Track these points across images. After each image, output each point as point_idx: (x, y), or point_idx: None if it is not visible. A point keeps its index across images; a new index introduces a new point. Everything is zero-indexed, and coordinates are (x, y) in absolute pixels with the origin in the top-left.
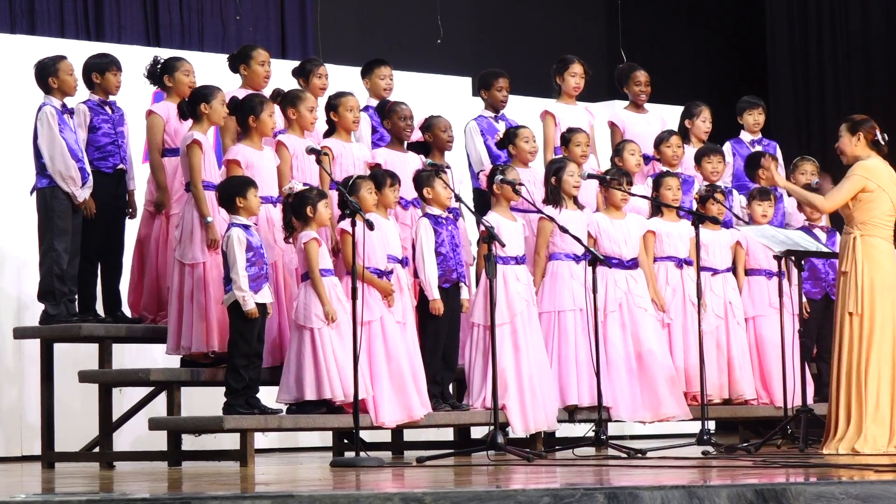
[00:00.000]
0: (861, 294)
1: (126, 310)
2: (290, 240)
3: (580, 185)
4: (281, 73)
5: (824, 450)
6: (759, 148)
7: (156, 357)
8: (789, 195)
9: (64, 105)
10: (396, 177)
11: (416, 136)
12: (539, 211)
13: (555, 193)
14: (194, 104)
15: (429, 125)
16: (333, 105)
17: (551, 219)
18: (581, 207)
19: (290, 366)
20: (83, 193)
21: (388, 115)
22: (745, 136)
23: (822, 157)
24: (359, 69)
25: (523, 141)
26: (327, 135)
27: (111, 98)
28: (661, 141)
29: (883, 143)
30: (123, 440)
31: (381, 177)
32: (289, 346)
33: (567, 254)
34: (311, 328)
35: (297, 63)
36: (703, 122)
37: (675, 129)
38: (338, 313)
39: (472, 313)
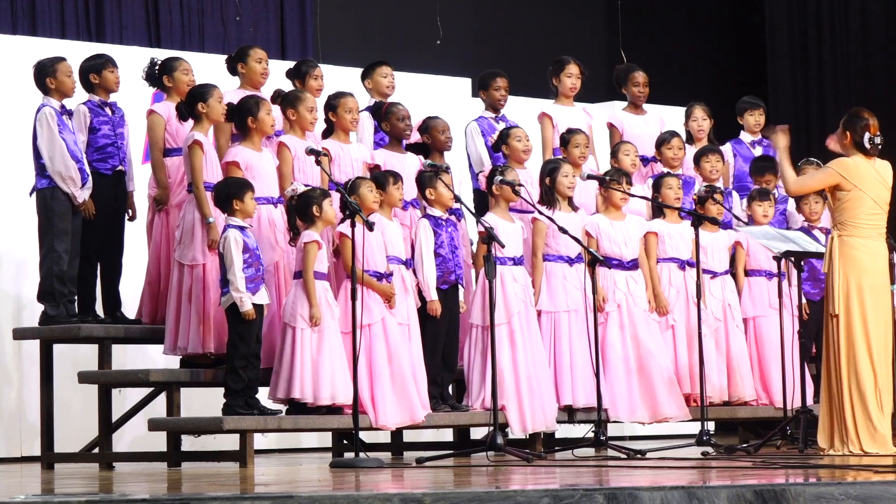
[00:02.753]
0: (839, 295)
1: (126, 311)
2: (294, 243)
3: (575, 186)
4: (281, 74)
5: (822, 450)
6: (759, 149)
7: (155, 358)
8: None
9: (63, 106)
10: (398, 175)
11: (415, 137)
12: (539, 212)
13: (549, 194)
14: (192, 104)
15: (426, 127)
16: (332, 106)
17: (551, 220)
18: (575, 209)
19: (275, 363)
20: (83, 194)
21: (386, 117)
22: (745, 136)
23: (821, 158)
24: (358, 70)
25: (515, 140)
26: (325, 135)
27: (112, 98)
28: (662, 142)
29: (869, 146)
30: (123, 441)
31: (382, 177)
32: (277, 344)
33: (561, 255)
34: (293, 327)
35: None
36: (696, 122)
37: (677, 130)
38: (324, 318)
39: (470, 314)
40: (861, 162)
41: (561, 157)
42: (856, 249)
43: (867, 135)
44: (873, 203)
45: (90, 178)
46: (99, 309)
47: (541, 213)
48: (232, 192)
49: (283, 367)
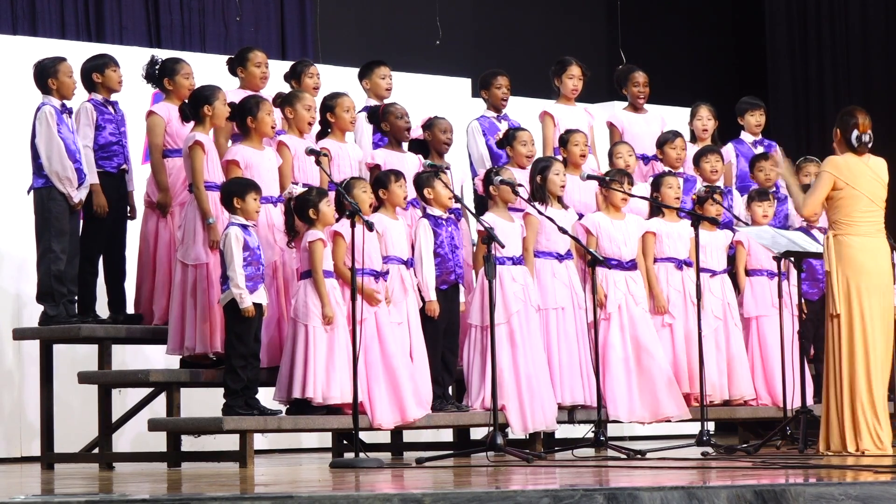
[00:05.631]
0: (839, 296)
1: (130, 310)
2: (293, 244)
3: (565, 185)
4: (281, 75)
5: (821, 451)
6: (760, 149)
7: (155, 358)
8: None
9: (63, 105)
10: (400, 172)
11: (415, 133)
12: (539, 211)
13: (540, 192)
14: (196, 106)
15: (430, 124)
16: (329, 106)
17: (551, 219)
18: (565, 207)
19: (284, 363)
20: (79, 195)
21: (385, 117)
22: (746, 136)
23: (822, 158)
24: (358, 70)
25: (520, 144)
26: (321, 136)
27: (114, 97)
28: (664, 142)
29: (857, 143)
30: (123, 441)
31: (384, 176)
32: (285, 344)
33: (550, 252)
34: (306, 325)
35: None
36: (699, 121)
37: (679, 130)
38: (336, 316)
39: (469, 314)
40: (852, 159)
41: (555, 155)
42: (852, 248)
43: (855, 132)
44: (868, 201)
45: (87, 178)
46: (99, 309)
47: (540, 213)
48: (234, 190)
49: (297, 367)
